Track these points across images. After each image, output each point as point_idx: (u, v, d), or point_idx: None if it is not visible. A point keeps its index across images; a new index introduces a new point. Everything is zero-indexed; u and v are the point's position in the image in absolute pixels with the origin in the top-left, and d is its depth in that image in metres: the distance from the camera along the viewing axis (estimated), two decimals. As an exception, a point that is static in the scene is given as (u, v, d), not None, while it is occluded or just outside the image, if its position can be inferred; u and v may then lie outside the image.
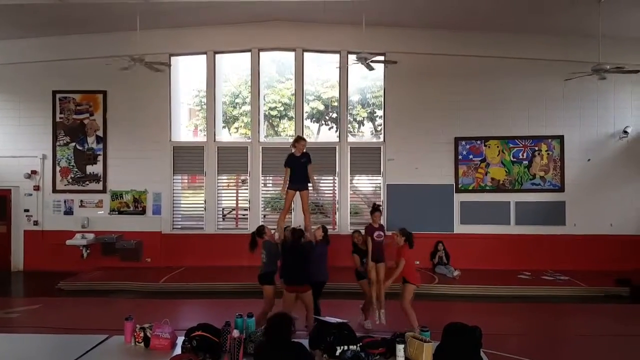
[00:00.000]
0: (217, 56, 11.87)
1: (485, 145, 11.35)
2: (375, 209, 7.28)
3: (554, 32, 10.77)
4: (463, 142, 11.37)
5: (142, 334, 4.03)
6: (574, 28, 10.34)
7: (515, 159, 11.29)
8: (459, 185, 11.35)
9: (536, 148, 11.26)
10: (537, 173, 11.25)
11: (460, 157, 11.37)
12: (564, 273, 10.35)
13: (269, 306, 6.43)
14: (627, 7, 9.09)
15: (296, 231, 6.57)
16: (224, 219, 12.17)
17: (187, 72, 12.80)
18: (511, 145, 11.30)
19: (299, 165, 7.45)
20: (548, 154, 11.23)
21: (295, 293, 6.31)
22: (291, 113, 13.54)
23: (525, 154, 11.28)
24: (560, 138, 11.19)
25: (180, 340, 4.04)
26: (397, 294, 6.62)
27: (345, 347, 3.62)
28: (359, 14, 9.03)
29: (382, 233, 6.97)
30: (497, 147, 11.33)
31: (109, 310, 8.02)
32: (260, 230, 6.80)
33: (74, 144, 11.75)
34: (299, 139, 7.52)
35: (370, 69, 9.32)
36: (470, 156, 11.37)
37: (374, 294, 6.88)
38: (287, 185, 7.42)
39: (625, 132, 11.02)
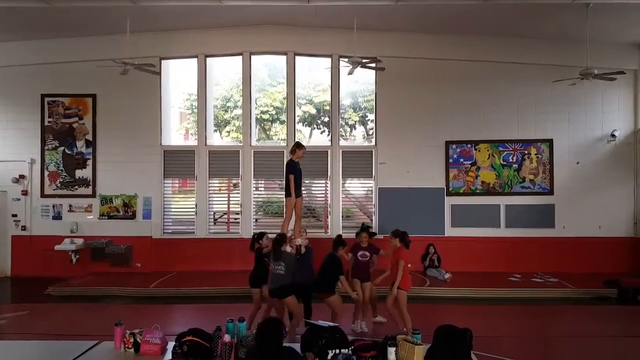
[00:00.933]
0: (208, 60, 11.84)
1: (475, 149, 11.42)
2: (363, 229, 7.26)
3: (543, 37, 10.91)
4: (454, 146, 11.44)
5: (132, 340, 3.99)
6: (563, 33, 10.48)
7: (505, 163, 11.38)
8: (450, 189, 11.41)
9: (526, 152, 11.35)
10: (527, 176, 11.34)
11: (450, 160, 11.44)
12: (554, 275, 10.44)
13: (299, 317, 6.34)
14: (614, 13, 9.22)
15: (340, 240, 6.83)
16: (215, 223, 12.13)
17: (178, 76, 12.75)
18: (501, 149, 11.39)
19: (299, 173, 7.44)
20: (537, 157, 11.33)
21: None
22: (283, 117, 13.55)
23: (515, 158, 11.37)
24: (550, 142, 11.30)
25: (170, 345, 4.00)
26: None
27: (337, 351, 3.61)
28: (350, 18, 9.08)
29: (367, 253, 7.07)
30: (487, 150, 11.41)
31: (99, 315, 7.93)
32: (282, 239, 6.50)
33: (62, 148, 11.64)
34: (300, 146, 7.46)
35: (381, 68, 9.36)
36: (461, 160, 11.44)
37: (359, 309, 7.02)
38: (294, 192, 7.40)
39: (613, 135, 11.15)
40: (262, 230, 7.26)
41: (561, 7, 8.88)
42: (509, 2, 8.24)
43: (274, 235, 6.72)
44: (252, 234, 7.02)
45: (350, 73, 9.22)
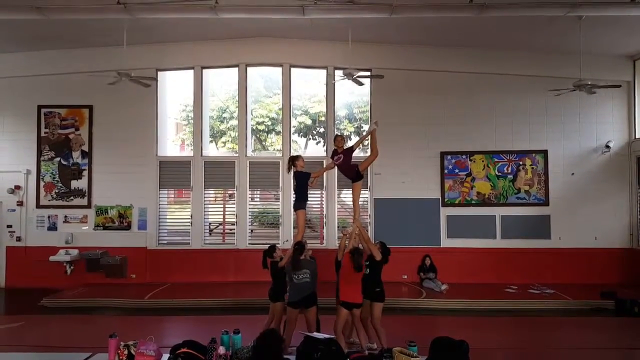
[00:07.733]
0: (205, 71, 11.90)
1: (470, 160, 11.47)
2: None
3: (537, 49, 11.02)
4: (449, 157, 11.49)
5: (126, 352, 3.97)
6: (556, 45, 10.59)
7: (500, 173, 11.43)
8: (445, 199, 11.43)
9: (520, 162, 11.40)
10: (522, 187, 11.38)
11: (446, 171, 11.47)
12: (550, 286, 10.43)
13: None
14: (606, 25, 9.33)
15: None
16: (210, 234, 12.10)
17: (174, 87, 12.80)
18: (496, 160, 11.44)
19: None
20: (532, 168, 11.39)
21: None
22: (278, 127, 13.59)
23: (510, 169, 11.42)
24: (544, 152, 11.36)
25: (165, 357, 3.99)
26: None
27: (333, 363, 3.60)
28: (345, 30, 9.15)
29: None
30: (482, 161, 11.46)
31: (93, 327, 7.87)
32: (303, 248, 6.24)
33: (58, 158, 11.62)
34: (297, 157, 7.57)
35: (360, 84, 9.44)
36: (456, 170, 11.48)
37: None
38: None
39: (607, 146, 11.22)
40: (271, 244, 6.93)
41: (554, 19, 8.97)
42: (502, 15, 8.33)
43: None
44: (262, 251, 6.77)
45: (335, 81, 9.34)
